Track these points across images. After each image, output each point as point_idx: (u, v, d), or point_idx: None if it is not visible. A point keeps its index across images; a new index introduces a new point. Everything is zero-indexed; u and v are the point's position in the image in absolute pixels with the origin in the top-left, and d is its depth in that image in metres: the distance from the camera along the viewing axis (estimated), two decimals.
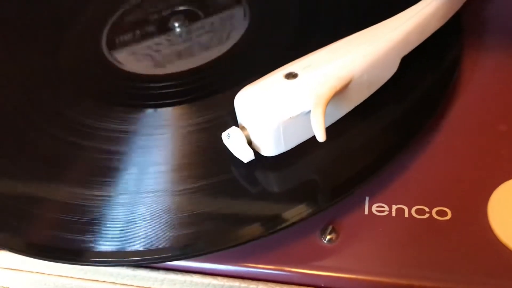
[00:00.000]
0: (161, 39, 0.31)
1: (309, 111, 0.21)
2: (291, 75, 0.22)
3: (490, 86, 0.26)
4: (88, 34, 0.33)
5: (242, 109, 0.22)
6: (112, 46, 0.31)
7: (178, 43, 0.31)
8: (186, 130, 0.25)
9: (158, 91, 0.28)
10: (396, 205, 0.22)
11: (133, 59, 0.30)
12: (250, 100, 0.22)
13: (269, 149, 0.22)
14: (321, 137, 0.20)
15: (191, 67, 0.29)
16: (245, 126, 0.22)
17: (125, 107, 0.27)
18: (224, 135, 0.22)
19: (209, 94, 0.27)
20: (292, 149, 0.22)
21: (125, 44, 0.31)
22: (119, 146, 0.25)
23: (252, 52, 0.29)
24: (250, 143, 0.22)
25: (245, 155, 0.22)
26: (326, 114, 0.21)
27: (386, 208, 0.22)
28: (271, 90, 0.22)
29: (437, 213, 0.21)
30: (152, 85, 0.28)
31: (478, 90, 0.26)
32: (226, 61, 0.29)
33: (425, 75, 0.25)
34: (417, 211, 0.21)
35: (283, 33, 0.29)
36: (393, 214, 0.21)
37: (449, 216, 0.21)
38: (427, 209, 0.21)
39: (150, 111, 0.26)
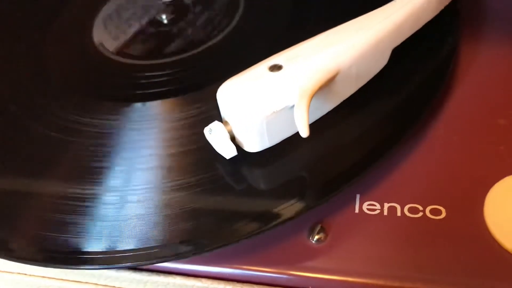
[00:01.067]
0: (149, 29, 0.31)
1: (294, 105, 0.20)
2: (276, 67, 0.21)
3: (489, 78, 0.25)
4: (74, 25, 0.32)
5: (224, 103, 0.21)
6: (100, 38, 0.31)
7: (167, 34, 0.30)
8: (177, 124, 0.24)
9: (147, 82, 0.27)
10: (388, 203, 0.21)
11: (121, 50, 0.29)
12: (232, 94, 0.21)
13: (253, 145, 0.21)
14: (304, 132, 0.19)
15: (182, 57, 0.28)
16: (228, 121, 0.21)
17: (113, 102, 0.26)
18: (206, 130, 0.22)
19: (201, 86, 0.26)
20: (278, 144, 0.22)
21: (112, 35, 0.31)
22: (107, 141, 0.24)
23: (243, 44, 0.28)
24: (233, 138, 0.22)
25: (228, 151, 0.21)
26: (311, 108, 0.20)
27: (378, 206, 0.21)
28: (254, 83, 0.21)
29: (431, 211, 0.21)
30: (140, 77, 0.28)
31: (476, 83, 0.25)
32: (218, 52, 0.28)
33: (418, 67, 0.24)
34: (410, 210, 0.21)
35: (275, 25, 0.28)
36: (385, 212, 0.21)
37: (443, 215, 0.20)
38: (420, 208, 0.21)
39: (138, 104, 0.26)
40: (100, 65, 0.29)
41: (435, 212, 0.20)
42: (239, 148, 0.22)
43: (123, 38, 0.30)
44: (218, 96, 0.21)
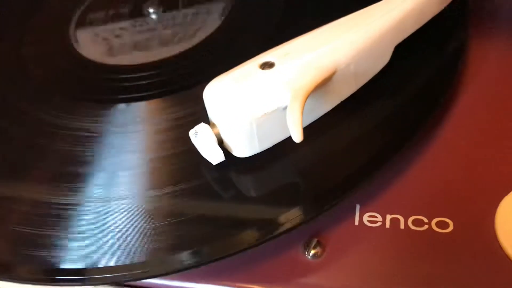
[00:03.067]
0: (134, 26, 0.30)
1: (286, 107, 0.19)
2: (267, 65, 0.20)
3: (500, 78, 0.24)
4: (54, 24, 0.31)
5: (211, 103, 0.20)
6: (81, 37, 0.29)
7: (153, 31, 0.29)
8: (162, 126, 0.23)
9: (131, 83, 0.26)
10: (390, 214, 0.20)
11: (104, 49, 0.28)
12: (219, 94, 0.19)
13: (242, 150, 0.20)
14: (297, 137, 0.18)
15: (169, 56, 0.26)
16: (215, 123, 0.20)
17: (95, 103, 0.25)
18: (191, 133, 0.20)
19: (189, 85, 0.24)
20: (269, 149, 0.20)
21: (94, 34, 0.30)
22: (87, 146, 0.23)
23: (234, 41, 0.27)
24: (221, 142, 0.20)
25: (214, 156, 0.20)
26: (305, 110, 0.19)
27: (379, 218, 0.20)
28: (244, 81, 0.19)
29: (438, 224, 0.19)
30: (124, 77, 0.26)
31: (486, 83, 0.24)
32: (206, 49, 0.27)
33: (424, 66, 0.23)
34: (414, 222, 0.19)
35: (268, 20, 0.27)
36: (387, 225, 0.20)
37: (450, 228, 0.19)
38: (426, 220, 0.19)
39: (122, 106, 0.24)
40: (81, 66, 0.27)
41: (441, 225, 0.19)
42: (227, 153, 0.20)
43: (106, 36, 0.29)
44: (204, 96, 0.20)
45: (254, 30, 0.27)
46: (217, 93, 0.20)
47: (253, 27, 0.27)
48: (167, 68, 0.26)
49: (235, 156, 0.20)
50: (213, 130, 0.20)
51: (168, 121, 0.23)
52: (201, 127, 0.20)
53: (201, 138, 0.20)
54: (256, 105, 0.19)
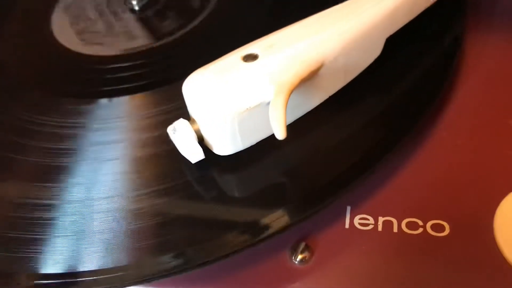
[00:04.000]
0: (116, 16, 0.28)
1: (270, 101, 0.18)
2: (251, 57, 0.19)
3: (498, 74, 0.23)
4: (32, 15, 0.30)
5: (190, 98, 0.19)
6: (60, 28, 0.28)
7: (137, 20, 0.28)
8: (148, 122, 0.22)
9: (114, 75, 0.25)
10: (383, 217, 0.19)
11: (84, 40, 0.27)
12: (199, 87, 0.18)
13: (223, 147, 0.19)
14: (280, 134, 0.17)
15: (153, 47, 0.26)
16: (195, 119, 0.19)
17: (76, 98, 0.24)
18: (169, 129, 0.19)
19: (175, 78, 0.23)
20: (253, 147, 0.19)
21: (75, 23, 0.29)
22: (67, 144, 0.22)
23: (222, 31, 0.26)
24: (202, 139, 0.19)
25: (193, 154, 0.19)
26: (291, 106, 0.18)
27: (371, 220, 0.19)
28: (225, 74, 0.18)
29: (433, 227, 0.19)
30: (106, 67, 0.25)
31: (483, 79, 0.23)
32: (193, 40, 0.26)
33: (417, 59, 0.22)
34: (408, 225, 0.19)
35: (256, 10, 0.26)
36: (380, 228, 0.19)
37: (447, 232, 0.18)
38: (420, 223, 0.19)
39: (104, 101, 0.23)
40: (61, 58, 0.26)
41: (437, 228, 0.19)
42: (208, 151, 0.19)
43: (87, 27, 0.28)
44: (183, 90, 0.19)
45: (244, 20, 0.26)
46: (197, 87, 0.18)
47: (243, 16, 0.26)
48: (151, 59, 0.25)
49: (217, 155, 0.19)
50: (192, 127, 0.19)
51: (153, 116, 0.22)
52: (180, 123, 0.19)
53: (180, 134, 0.19)
54: (238, 99, 0.18)
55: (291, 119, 0.20)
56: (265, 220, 0.18)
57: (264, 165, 0.20)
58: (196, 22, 0.27)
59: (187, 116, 0.19)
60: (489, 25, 0.25)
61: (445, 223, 0.19)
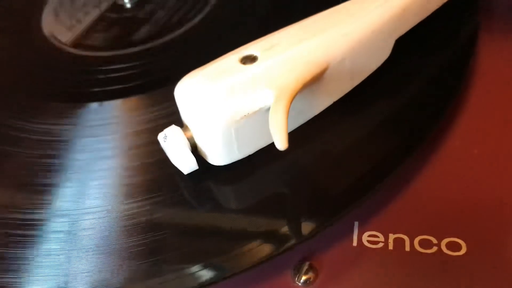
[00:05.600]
0: (109, 16, 0.27)
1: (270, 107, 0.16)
2: (249, 59, 0.18)
3: None
4: (21, 14, 0.29)
5: (183, 103, 0.17)
6: (50, 27, 0.27)
7: (131, 19, 0.27)
8: (141, 128, 0.21)
9: (105, 75, 0.24)
10: (394, 234, 0.18)
11: (74, 41, 0.26)
12: (192, 92, 0.17)
13: (218, 157, 0.18)
14: (281, 144, 0.15)
15: (147, 48, 0.24)
16: (189, 126, 0.17)
17: (64, 102, 0.23)
18: (160, 137, 0.18)
19: (170, 81, 0.21)
20: (251, 157, 0.18)
21: (65, 23, 0.27)
22: (55, 152, 0.21)
23: (220, 31, 0.25)
24: (195, 148, 0.18)
25: (186, 164, 0.17)
26: (292, 112, 0.16)
27: (381, 238, 0.18)
28: (221, 78, 0.17)
29: (448, 246, 0.17)
30: (96, 69, 0.24)
31: (500, 82, 0.22)
32: (190, 41, 0.25)
33: (429, 62, 0.21)
34: (421, 243, 0.17)
35: (257, 9, 0.25)
36: (390, 246, 0.18)
37: (463, 250, 0.17)
38: (434, 241, 0.18)
39: (94, 105, 0.22)
40: (50, 59, 0.26)
41: (453, 246, 0.17)
42: (202, 160, 0.18)
43: (78, 26, 0.27)
44: (176, 94, 0.18)
45: (243, 19, 0.25)
46: (190, 91, 0.17)
47: (242, 16, 0.25)
48: (145, 60, 0.24)
49: (212, 165, 0.18)
50: (185, 134, 0.17)
51: (145, 122, 0.21)
52: (171, 130, 0.17)
53: (171, 142, 0.17)
54: (235, 105, 0.16)
55: (293, 126, 0.18)
56: (266, 240, 0.16)
57: (263, 177, 0.18)
58: (193, 22, 0.25)
59: (182, 123, 0.18)
60: (504, 26, 0.24)
61: (461, 241, 0.17)
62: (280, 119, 0.15)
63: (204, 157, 0.18)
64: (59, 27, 0.27)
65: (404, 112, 0.20)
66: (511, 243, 0.17)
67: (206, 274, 0.16)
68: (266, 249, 0.16)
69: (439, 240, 0.18)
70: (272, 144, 0.17)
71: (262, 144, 0.18)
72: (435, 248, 0.17)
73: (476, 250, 0.17)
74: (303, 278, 0.17)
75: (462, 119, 0.21)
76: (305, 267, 0.17)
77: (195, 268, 0.16)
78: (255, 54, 0.18)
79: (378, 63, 0.20)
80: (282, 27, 0.19)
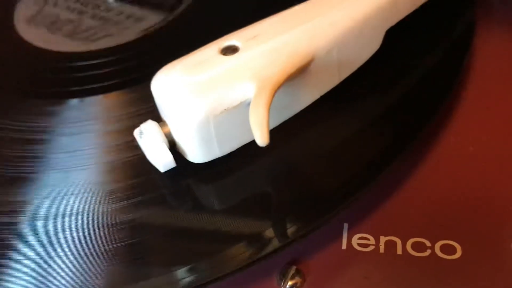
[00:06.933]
0: (88, 9, 0.26)
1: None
2: (230, 50, 0.17)
3: (511, 73, 0.22)
4: None
5: (160, 97, 0.16)
6: (24, 22, 0.26)
7: (110, 12, 0.26)
8: (123, 125, 0.20)
9: (84, 74, 0.23)
10: (385, 236, 0.17)
11: (51, 35, 0.25)
12: (170, 85, 0.16)
13: (198, 154, 0.17)
14: (261, 140, 0.14)
15: (128, 42, 0.24)
16: (166, 121, 0.17)
17: (43, 99, 0.22)
18: (136, 133, 0.17)
19: (152, 76, 0.21)
20: (233, 154, 0.17)
21: (41, 17, 0.26)
22: (32, 150, 0.20)
23: (203, 23, 0.24)
24: (173, 145, 0.17)
25: (162, 161, 0.16)
26: (275, 106, 0.16)
27: (372, 240, 0.17)
28: (200, 70, 0.16)
29: (442, 249, 0.17)
30: (76, 65, 0.23)
31: (496, 78, 0.21)
32: (171, 33, 0.24)
33: (422, 55, 0.21)
34: (414, 246, 0.17)
35: (241, 3, 0.24)
36: (381, 249, 0.17)
37: (458, 254, 0.17)
38: (428, 243, 0.17)
39: (74, 101, 0.21)
40: (26, 55, 0.24)
41: (447, 249, 0.17)
42: (181, 157, 0.17)
43: (54, 21, 0.26)
44: (152, 87, 0.17)
45: (227, 13, 0.24)
46: (167, 84, 0.16)
47: (225, 9, 0.24)
48: (126, 54, 0.23)
49: (191, 163, 0.17)
50: (162, 130, 0.16)
51: (128, 118, 0.20)
52: (148, 125, 0.16)
53: (147, 138, 0.16)
54: (214, 99, 0.16)
55: (277, 122, 0.17)
56: (249, 242, 0.16)
57: (246, 176, 0.18)
58: (175, 14, 0.25)
59: (161, 118, 0.17)
60: (500, 21, 0.24)
61: (456, 244, 0.17)
62: (261, 113, 0.14)
63: (183, 154, 0.17)
64: (34, 21, 0.26)
65: (395, 109, 0.19)
66: (507, 246, 0.17)
67: (187, 279, 0.15)
68: (249, 252, 0.16)
69: (433, 243, 0.17)
70: (253, 142, 0.16)
71: (244, 140, 0.17)
72: (428, 252, 0.17)
73: (471, 254, 0.17)
74: (289, 283, 0.16)
75: (456, 117, 0.21)
76: (292, 272, 0.17)
77: (176, 272, 0.16)
78: (236, 44, 0.17)
79: (368, 55, 0.19)
80: (267, 16, 0.18)
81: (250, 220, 0.17)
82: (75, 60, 0.24)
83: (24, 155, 0.20)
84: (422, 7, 0.21)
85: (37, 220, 0.18)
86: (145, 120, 0.18)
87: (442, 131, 0.20)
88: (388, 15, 0.18)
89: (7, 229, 0.17)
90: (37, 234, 0.17)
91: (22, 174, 0.19)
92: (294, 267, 0.17)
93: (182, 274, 0.16)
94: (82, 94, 0.22)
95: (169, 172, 0.17)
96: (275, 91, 0.15)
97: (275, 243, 0.16)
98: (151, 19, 0.25)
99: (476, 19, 0.23)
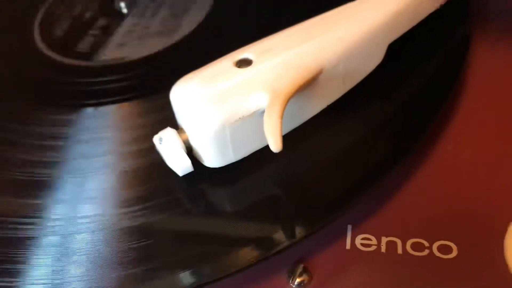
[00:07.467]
0: (105, 22, 0.27)
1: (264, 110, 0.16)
2: (244, 62, 0.17)
3: (506, 82, 0.21)
4: (15, 20, 0.28)
5: (178, 106, 0.17)
6: (46, 33, 0.26)
7: (126, 28, 0.26)
8: (137, 133, 0.20)
9: (100, 86, 0.23)
10: (386, 237, 0.17)
11: (71, 47, 0.25)
12: (188, 95, 0.17)
13: (213, 159, 0.17)
14: (275, 146, 0.15)
15: (142, 56, 0.24)
16: (184, 129, 0.17)
17: (59, 107, 0.22)
18: (155, 139, 0.17)
19: (166, 86, 0.21)
20: (246, 159, 0.18)
21: (61, 30, 0.27)
22: (49, 156, 0.20)
23: (217, 36, 0.24)
24: (190, 150, 0.17)
25: (181, 166, 0.17)
26: (286, 115, 0.16)
27: (374, 241, 0.17)
28: (216, 81, 0.16)
29: (439, 248, 0.17)
30: (92, 79, 0.24)
31: (492, 87, 0.21)
32: (185, 48, 0.24)
33: (421, 67, 0.21)
34: (413, 246, 0.17)
35: (254, 16, 0.25)
36: (383, 249, 0.17)
37: (454, 253, 0.17)
38: (426, 244, 0.17)
39: (89, 110, 0.22)
40: (45, 66, 0.25)
41: (444, 249, 0.17)
42: (197, 162, 0.17)
43: (72, 33, 0.26)
44: (171, 97, 0.17)
45: (239, 27, 0.24)
46: (185, 94, 0.17)
47: (238, 24, 0.25)
48: (141, 66, 0.23)
49: (207, 167, 0.17)
50: (181, 137, 0.17)
51: (141, 127, 0.20)
52: (167, 132, 0.17)
53: (167, 145, 0.17)
54: (230, 108, 0.16)
55: (287, 129, 0.18)
56: (260, 242, 0.16)
57: (258, 179, 0.18)
58: (189, 28, 0.25)
59: (177, 126, 0.18)
60: (496, 31, 0.24)
61: (452, 244, 0.17)
62: (275, 122, 0.15)
63: (199, 159, 0.17)
64: (53, 33, 0.26)
65: (396, 117, 0.19)
66: (500, 246, 0.17)
67: (201, 275, 0.16)
68: (260, 251, 0.16)
69: (431, 243, 0.17)
70: (267, 147, 0.16)
71: (256, 146, 0.18)
72: (426, 251, 0.17)
73: (466, 253, 0.17)
74: (297, 280, 0.17)
75: (454, 124, 0.20)
76: (299, 270, 0.17)
77: (191, 269, 0.16)
78: (250, 57, 0.17)
79: (371, 68, 0.19)
80: (279, 28, 0.19)
81: (260, 221, 0.17)
82: (92, 70, 0.24)
83: (42, 160, 0.20)
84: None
85: (52, 221, 0.18)
86: (156, 128, 0.18)
87: (440, 139, 0.20)
88: (390, 31, 0.19)
89: (25, 229, 0.18)
90: (52, 235, 0.17)
91: (40, 178, 0.19)
92: (301, 265, 0.17)
93: (200, 270, 0.16)
94: (97, 103, 0.22)
95: (185, 176, 0.17)
96: (287, 101, 0.16)
97: (284, 243, 0.16)
98: (166, 35, 0.25)
99: (471, 31, 0.23)
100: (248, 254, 0.16)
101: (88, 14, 0.27)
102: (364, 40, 0.18)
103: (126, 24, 0.26)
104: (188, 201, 0.18)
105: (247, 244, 0.16)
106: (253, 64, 0.17)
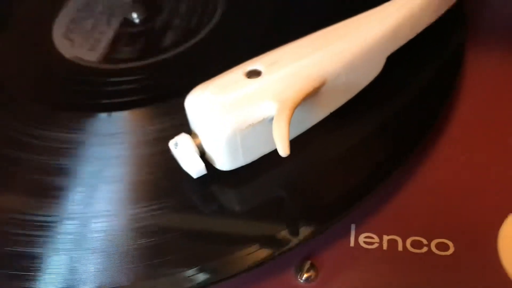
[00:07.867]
0: (117, 30, 0.27)
1: (273, 118, 0.17)
2: (254, 73, 0.18)
3: (500, 89, 0.22)
4: (31, 26, 0.28)
5: (193, 113, 0.18)
6: (60, 40, 0.27)
7: (139, 33, 0.27)
8: (149, 138, 0.21)
9: (113, 89, 0.24)
10: (388, 235, 0.18)
11: (84, 52, 0.26)
12: (202, 103, 0.17)
13: (225, 162, 0.18)
14: (283, 151, 0.16)
15: (156, 61, 0.24)
16: (197, 134, 0.18)
17: (73, 112, 0.22)
18: (171, 144, 0.18)
19: (178, 93, 0.22)
20: (255, 162, 0.19)
21: (75, 35, 0.27)
22: (65, 159, 0.21)
23: (226, 45, 0.25)
24: (203, 154, 0.18)
25: (195, 169, 0.18)
26: (293, 122, 0.17)
27: (376, 239, 0.18)
28: (228, 90, 0.17)
29: (437, 246, 0.18)
30: (105, 83, 0.24)
31: (486, 96, 0.22)
32: (197, 54, 0.24)
33: (419, 76, 0.21)
34: (413, 244, 0.18)
35: (263, 23, 0.25)
36: (385, 246, 0.18)
37: (451, 250, 0.18)
38: (425, 242, 0.18)
39: (103, 115, 0.22)
40: (60, 70, 0.25)
41: (441, 246, 0.18)
42: (209, 165, 0.18)
43: (87, 39, 0.27)
44: (186, 105, 0.18)
45: (246, 37, 0.25)
46: (199, 102, 0.18)
47: (245, 33, 0.25)
48: (153, 74, 0.24)
49: (219, 170, 0.18)
50: (194, 141, 0.18)
51: (154, 132, 0.21)
52: (182, 137, 0.18)
53: (182, 149, 0.18)
54: (241, 115, 0.17)
55: (294, 135, 0.19)
56: (269, 240, 0.17)
57: (266, 181, 0.19)
58: (198, 37, 0.25)
59: (189, 131, 0.19)
60: (490, 40, 0.24)
61: (449, 242, 0.18)
62: (283, 129, 0.16)
63: (211, 162, 0.18)
64: (68, 39, 0.27)
65: (396, 122, 0.20)
66: (493, 244, 0.18)
67: (213, 273, 0.16)
68: (269, 249, 0.17)
69: (429, 241, 0.18)
70: (274, 151, 0.17)
71: (265, 151, 0.18)
72: (425, 249, 0.18)
73: (462, 250, 0.17)
74: (305, 276, 0.17)
75: (450, 129, 0.21)
76: (307, 266, 0.17)
77: (203, 268, 0.17)
78: (259, 69, 0.18)
79: (371, 78, 0.20)
80: (285, 41, 0.19)
81: (269, 221, 0.18)
82: (106, 76, 0.24)
83: (58, 161, 0.20)
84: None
85: (68, 220, 0.19)
86: (168, 133, 0.19)
87: (439, 143, 0.20)
88: (389, 44, 0.20)
89: (42, 227, 0.18)
90: (68, 233, 0.18)
91: (56, 178, 0.20)
92: (309, 262, 0.18)
93: (212, 268, 0.17)
94: (111, 108, 0.22)
95: (198, 178, 0.18)
96: (294, 110, 0.17)
97: (292, 241, 0.17)
98: (175, 42, 0.25)
99: (466, 41, 0.23)
100: (257, 253, 0.17)
101: (101, 20, 0.27)
102: (365, 53, 0.19)
103: (139, 31, 0.27)
104: (200, 202, 0.18)
105: (257, 243, 0.17)
106: (262, 75, 0.18)
